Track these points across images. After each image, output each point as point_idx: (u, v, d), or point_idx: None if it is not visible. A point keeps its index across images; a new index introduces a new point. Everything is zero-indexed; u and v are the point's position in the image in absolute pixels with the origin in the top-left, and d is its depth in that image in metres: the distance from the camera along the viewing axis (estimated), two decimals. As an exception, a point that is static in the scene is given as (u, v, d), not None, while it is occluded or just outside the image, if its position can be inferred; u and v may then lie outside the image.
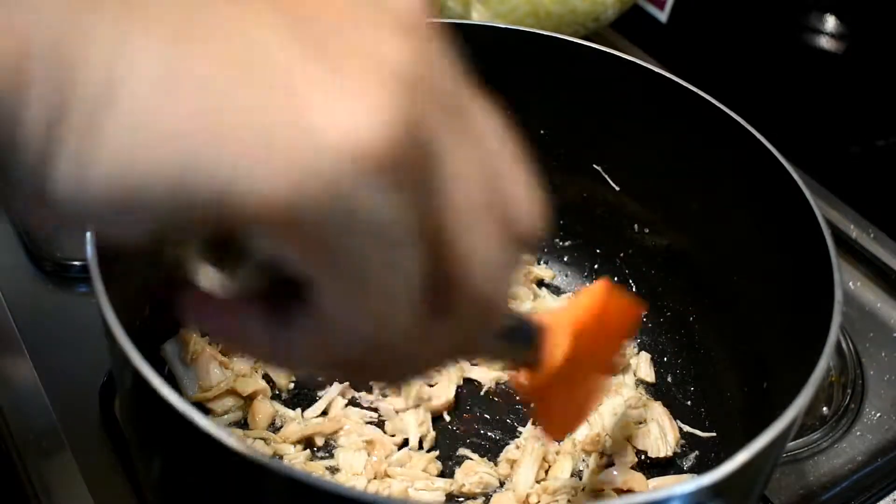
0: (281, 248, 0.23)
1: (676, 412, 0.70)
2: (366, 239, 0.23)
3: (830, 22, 0.98)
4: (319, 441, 0.66)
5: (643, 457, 0.67)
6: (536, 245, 0.28)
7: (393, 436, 0.66)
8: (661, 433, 0.68)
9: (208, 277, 0.29)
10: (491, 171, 0.26)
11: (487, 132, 0.27)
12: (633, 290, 0.78)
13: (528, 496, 0.62)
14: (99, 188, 0.22)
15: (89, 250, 0.47)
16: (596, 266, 0.80)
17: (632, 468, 0.65)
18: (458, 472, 0.65)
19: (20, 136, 0.21)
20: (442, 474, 0.65)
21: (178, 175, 0.21)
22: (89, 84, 0.21)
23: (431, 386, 0.68)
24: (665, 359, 0.74)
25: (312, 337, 0.27)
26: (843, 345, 0.78)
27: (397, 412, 0.67)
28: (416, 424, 0.66)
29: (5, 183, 0.22)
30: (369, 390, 0.67)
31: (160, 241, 0.24)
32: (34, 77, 0.21)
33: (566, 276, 0.80)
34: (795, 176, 0.60)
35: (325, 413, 0.68)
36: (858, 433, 0.72)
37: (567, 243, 0.81)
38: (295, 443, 0.65)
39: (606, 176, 0.76)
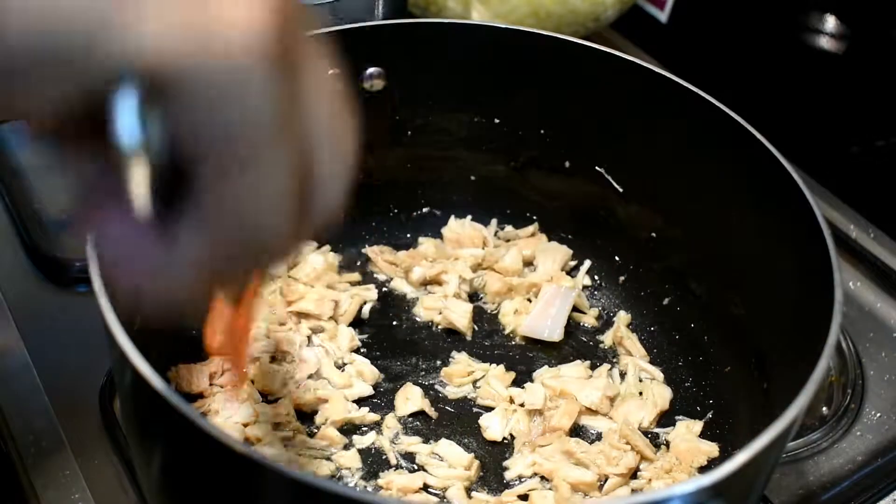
0: (177, 110, 0.28)
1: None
2: (246, 115, 0.28)
3: (830, 22, 0.98)
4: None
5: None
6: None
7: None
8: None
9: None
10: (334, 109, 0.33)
11: (326, 77, 0.33)
12: (633, 290, 0.78)
13: None
14: (18, 35, 0.26)
15: (89, 250, 0.47)
16: (596, 266, 0.80)
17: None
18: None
19: None
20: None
21: (92, 30, 0.26)
22: None
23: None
24: (665, 359, 0.74)
25: (198, 236, 0.31)
26: (843, 345, 0.78)
27: None
28: None
29: None
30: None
31: (69, 112, 0.28)
32: None
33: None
34: (795, 176, 0.60)
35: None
36: (858, 433, 0.72)
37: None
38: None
39: (609, 177, 0.76)
